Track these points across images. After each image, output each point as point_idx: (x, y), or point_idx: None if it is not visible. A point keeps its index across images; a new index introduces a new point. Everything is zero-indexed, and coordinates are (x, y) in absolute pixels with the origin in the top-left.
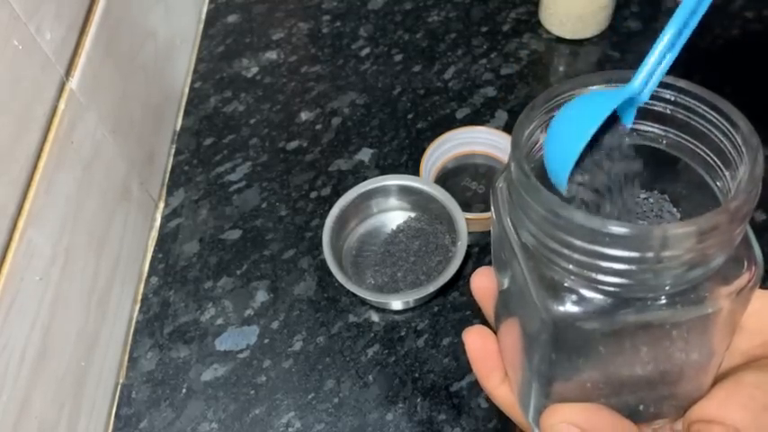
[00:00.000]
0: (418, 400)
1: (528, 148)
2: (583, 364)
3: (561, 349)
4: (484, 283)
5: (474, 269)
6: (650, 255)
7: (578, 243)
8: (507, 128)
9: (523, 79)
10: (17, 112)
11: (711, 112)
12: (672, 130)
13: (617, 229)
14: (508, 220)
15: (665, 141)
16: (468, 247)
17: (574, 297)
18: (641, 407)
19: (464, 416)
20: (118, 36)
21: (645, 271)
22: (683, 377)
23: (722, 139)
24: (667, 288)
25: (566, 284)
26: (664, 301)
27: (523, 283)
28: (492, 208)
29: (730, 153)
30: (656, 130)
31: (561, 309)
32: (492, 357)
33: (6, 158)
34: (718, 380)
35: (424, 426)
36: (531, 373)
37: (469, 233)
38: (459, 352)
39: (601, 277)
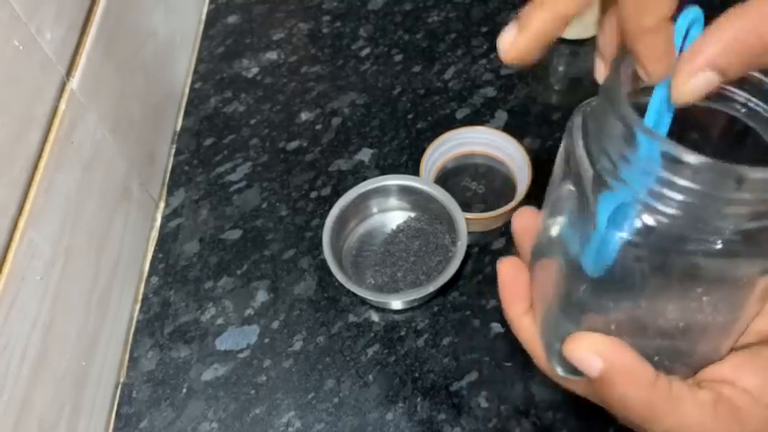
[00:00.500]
0: (418, 399)
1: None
2: (622, 297)
3: (610, 278)
4: (525, 223)
5: (474, 269)
6: (723, 193)
7: (657, 171)
8: (507, 128)
9: (523, 80)
10: (18, 113)
11: None
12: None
13: (697, 160)
14: (583, 151)
15: (743, 110)
16: (468, 246)
17: (638, 224)
18: (656, 357)
19: (464, 415)
20: (118, 36)
21: (713, 209)
22: (705, 335)
23: None
24: (728, 233)
25: (633, 214)
26: (720, 247)
27: (589, 213)
28: (562, 144)
29: None
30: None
31: (625, 235)
32: (522, 286)
33: (7, 158)
34: (734, 351)
35: (424, 425)
36: (564, 304)
37: (469, 233)
38: (459, 352)
39: (669, 209)
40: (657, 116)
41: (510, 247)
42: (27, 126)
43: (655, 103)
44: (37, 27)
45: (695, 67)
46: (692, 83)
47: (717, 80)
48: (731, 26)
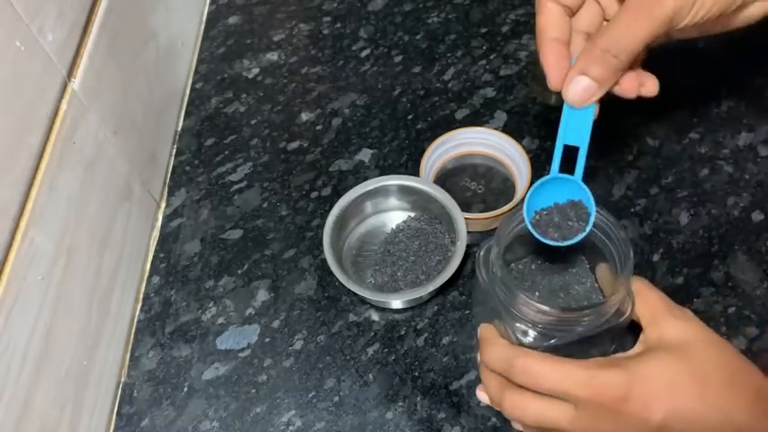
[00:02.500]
0: (418, 398)
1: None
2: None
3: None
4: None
5: (473, 269)
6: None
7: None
8: (506, 128)
9: (522, 80)
10: (19, 113)
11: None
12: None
13: (541, 306)
14: (487, 282)
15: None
16: (468, 246)
17: (530, 334)
18: None
19: (463, 414)
20: (120, 37)
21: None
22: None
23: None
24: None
25: (523, 327)
26: (571, 338)
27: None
28: (477, 271)
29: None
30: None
31: (525, 340)
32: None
33: (9, 159)
34: None
35: (424, 424)
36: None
37: (469, 233)
38: (458, 351)
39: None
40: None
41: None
42: (29, 126)
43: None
44: (39, 28)
45: (571, 75)
46: (572, 87)
47: (594, 86)
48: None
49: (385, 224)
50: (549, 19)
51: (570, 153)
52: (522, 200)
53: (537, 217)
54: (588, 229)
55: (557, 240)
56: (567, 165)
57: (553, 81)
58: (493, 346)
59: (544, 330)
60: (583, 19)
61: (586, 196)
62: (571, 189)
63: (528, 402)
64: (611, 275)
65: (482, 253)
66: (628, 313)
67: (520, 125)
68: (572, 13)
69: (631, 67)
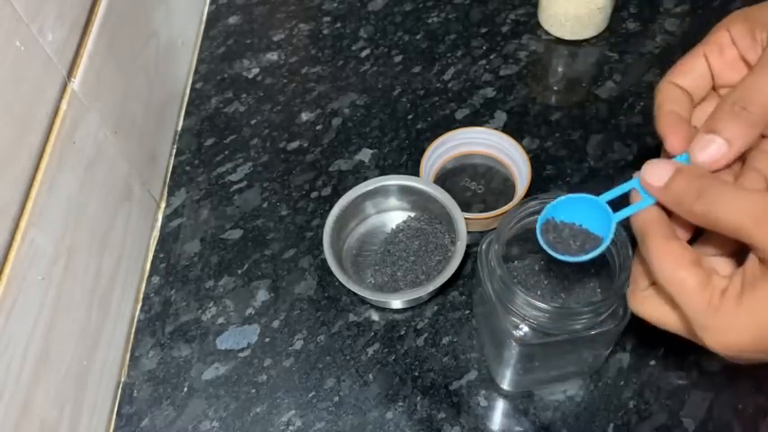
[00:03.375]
0: (418, 398)
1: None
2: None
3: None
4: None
5: (473, 269)
6: (556, 317)
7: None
8: (506, 128)
9: (522, 80)
10: (19, 113)
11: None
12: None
13: (540, 304)
14: (488, 282)
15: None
16: (468, 246)
17: (522, 328)
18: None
19: (463, 414)
20: (120, 37)
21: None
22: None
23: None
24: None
25: (516, 321)
26: (564, 337)
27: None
28: (478, 264)
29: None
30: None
31: (516, 334)
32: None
33: (9, 159)
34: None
35: (424, 424)
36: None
37: (469, 233)
38: (458, 351)
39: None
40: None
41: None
42: (29, 126)
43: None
44: (39, 28)
45: (700, 135)
46: (701, 146)
47: (724, 146)
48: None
49: (385, 224)
50: (670, 94)
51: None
52: (522, 199)
53: (551, 223)
54: (583, 258)
55: (556, 251)
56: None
57: (672, 143)
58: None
59: (539, 327)
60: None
61: (607, 235)
62: (599, 220)
63: None
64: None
65: (484, 246)
66: (625, 317)
67: (520, 125)
68: (692, 101)
69: None
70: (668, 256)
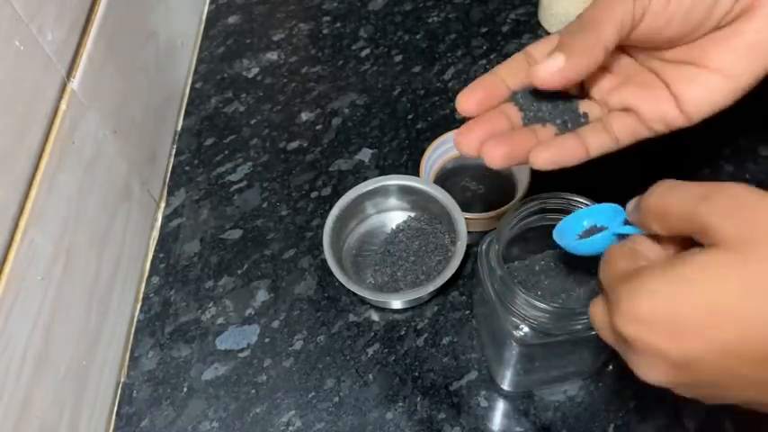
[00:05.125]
0: (418, 398)
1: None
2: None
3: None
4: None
5: (473, 269)
6: (557, 317)
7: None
8: None
9: None
10: (19, 113)
11: None
12: None
13: (541, 304)
14: (488, 282)
15: None
16: (468, 246)
17: (523, 329)
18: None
19: (464, 414)
20: (119, 37)
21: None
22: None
23: None
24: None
25: (517, 321)
26: (565, 338)
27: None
28: (478, 264)
29: None
30: None
31: (517, 334)
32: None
33: (8, 158)
34: None
35: (424, 424)
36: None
37: (469, 233)
38: (458, 351)
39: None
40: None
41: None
42: (28, 126)
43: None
44: (38, 27)
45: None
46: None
47: (562, 60)
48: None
49: (385, 224)
50: (510, 65)
51: None
52: (522, 198)
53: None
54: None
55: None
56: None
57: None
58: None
59: (539, 327)
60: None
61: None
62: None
63: None
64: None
65: (484, 246)
66: None
67: None
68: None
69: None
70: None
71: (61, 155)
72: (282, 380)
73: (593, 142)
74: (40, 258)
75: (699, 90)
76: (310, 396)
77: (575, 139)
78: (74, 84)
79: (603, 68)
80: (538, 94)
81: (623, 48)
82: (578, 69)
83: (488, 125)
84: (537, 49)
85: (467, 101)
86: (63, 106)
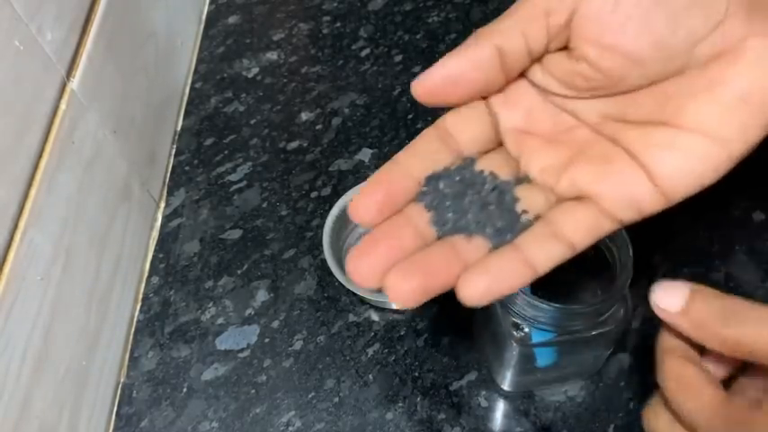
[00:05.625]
0: (418, 399)
1: None
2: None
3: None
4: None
5: None
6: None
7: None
8: None
9: None
10: (18, 113)
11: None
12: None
13: (541, 305)
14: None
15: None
16: None
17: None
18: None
19: (464, 415)
20: (119, 36)
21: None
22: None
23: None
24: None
25: (517, 321)
26: (565, 338)
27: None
28: None
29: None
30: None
31: (517, 335)
32: None
33: (7, 158)
34: None
35: (424, 425)
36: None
37: None
38: (458, 351)
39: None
40: None
41: None
42: (28, 126)
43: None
44: (38, 27)
45: None
46: None
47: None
48: None
49: None
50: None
51: None
52: None
53: None
54: None
55: None
56: None
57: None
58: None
59: (538, 326)
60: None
61: None
62: None
63: None
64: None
65: None
66: (626, 318)
67: None
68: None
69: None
70: (683, 377)
71: (61, 155)
72: (282, 380)
73: (539, 256)
74: (39, 258)
75: (678, 159)
76: (310, 396)
77: (514, 256)
78: (73, 84)
79: (544, 138)
80: (456, 187)
81: (572, 110)
82: (460, 69)
83: (390, 244)
84: (452, 121)
85: (363, 208)
86: (63, 106)
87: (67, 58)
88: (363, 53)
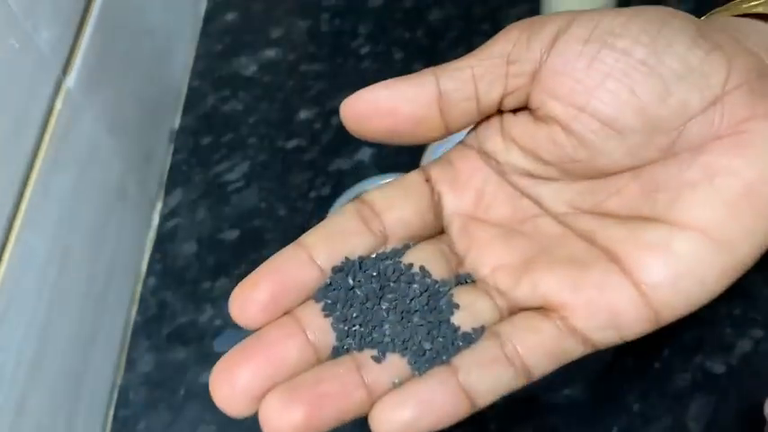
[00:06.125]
0: None
1: None
2: None
3: None
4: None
5: None
6: None
7: None
8: None
9: None
10: (13, 112)
11: None
12: None
13: None
14: None
15: None
16: None
17: None
18: None
19: None
20: (115, 34)
21: None
22: None
23: None
24: None
25: None
26: None
27: None
28: None
29: None
30: None
31: None
32: None
33: (2, 158)
34: None
35: None
36: None
37: None
38: None
39: None
40: None
41: None
42: (23, 125)
43: None
44: (33, 25)
45: None
46: None
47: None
48: None
49: None
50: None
51: None
52: None
53: None
54: None
55: None
56: None
57: None
58: None
59: None
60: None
61: None
62: None
63: None
64: None
65: None
66: None
67: None
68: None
69: None
70: None
71: (56, 154)
72: None
73: (480, 384)
74: (34, 260)
75: (671, 263)
76: None
77: (449, 381)
78: (69, 82)
79: (500, 228)
80: (371, 285)
81: (536, 195)
82: (392, 101)
83: (268, 357)
84: (380, 195)
85: (243, 304)
86: (58, 105)
87: (63, 55)
88: (363, 51)
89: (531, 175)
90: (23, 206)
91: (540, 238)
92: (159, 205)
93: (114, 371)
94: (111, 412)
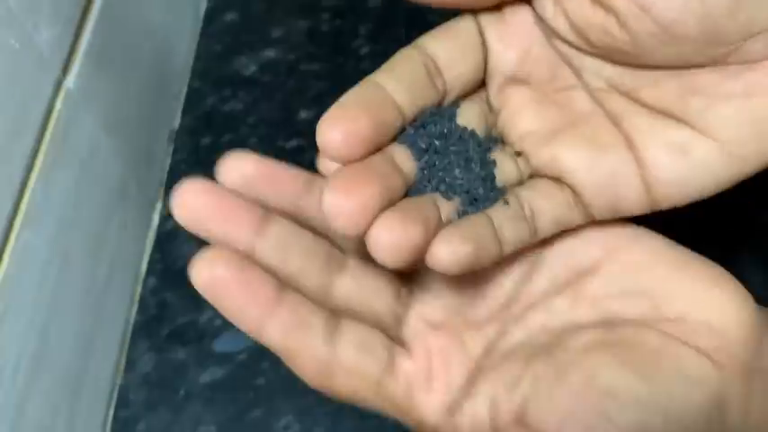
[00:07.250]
0: None
1: None
2: None
3: None
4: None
5: None
6: None
7: None
8: None
9: None
10: (13, 112)
11: None
12: None
13: None
14: None
15: None
16: None
17: None
18: None
19: None
20: (115, 34)
21: None
22: None
23: None
24: None
25: None
26: None
27: None
28: None
29: None
30: None
31: None
32: None
33: (2, 158)
34: None
35: None
36: None
37: None
38: None
39: None
40: None
41: None
42: (22, 126)
43: None
44: (33, 24)
45: None
46: None
47: None
48: None
49: None
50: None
51: None
52: None
53: None
54: None
55: None
56: None
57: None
58: None
59: None
60: None
61: None
62: None
63: None
64: None
65: None
66: None
67: None
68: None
69: None
70: None
71: (56, 155)
72: (281, 383)
73: (509, 235)
74: (34, 260)
75: (686, 168)
76: (309, 400)
77: (489, 227)
78: (69, 82)
79: (536, 93)
80: (443, 139)
81: (577, 66)
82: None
83: (380, 183)
84: (439, 47)
85: (343, 135)
86: (58, 105)
87: (63, 55)
88: (363, 51)
89: (576, 48)
90: (23, 206)
91: (569, 111)
92: (159, 205)
93: (114, 371)
94: (111, 412)
